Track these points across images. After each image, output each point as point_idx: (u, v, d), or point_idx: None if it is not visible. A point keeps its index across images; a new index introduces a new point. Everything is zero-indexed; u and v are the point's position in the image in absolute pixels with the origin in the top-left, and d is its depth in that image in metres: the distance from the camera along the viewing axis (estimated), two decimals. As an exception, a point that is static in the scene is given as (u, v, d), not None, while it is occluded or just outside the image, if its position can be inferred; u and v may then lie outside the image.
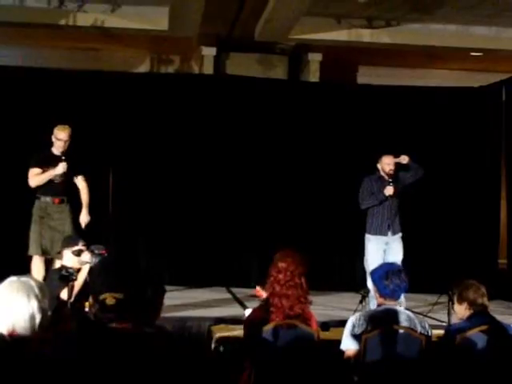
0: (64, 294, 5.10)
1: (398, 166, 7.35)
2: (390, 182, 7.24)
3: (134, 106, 9.28)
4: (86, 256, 5.34)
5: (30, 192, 6.97)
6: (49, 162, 6.84)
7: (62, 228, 6.84)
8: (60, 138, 6.85)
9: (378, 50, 10.45)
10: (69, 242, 5.69)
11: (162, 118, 9.40)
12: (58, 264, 6.71)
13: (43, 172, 6.84)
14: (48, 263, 6.83)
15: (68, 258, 5.56)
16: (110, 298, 2.94)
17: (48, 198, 6.87)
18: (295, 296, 4.21)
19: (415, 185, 7.54)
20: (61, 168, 6.76)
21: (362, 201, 7.36)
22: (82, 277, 5.32)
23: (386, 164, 7.29)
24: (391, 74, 11.28)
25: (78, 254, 5.41)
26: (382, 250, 7.29)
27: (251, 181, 9.51)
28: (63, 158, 6.80)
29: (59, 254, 5.74)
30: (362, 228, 7.65)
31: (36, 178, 6.85)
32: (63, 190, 6.92)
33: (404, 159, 7.30)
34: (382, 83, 10.26)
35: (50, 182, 6.85)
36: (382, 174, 7.34)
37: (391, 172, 7.28)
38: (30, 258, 6.91)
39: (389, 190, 7.22)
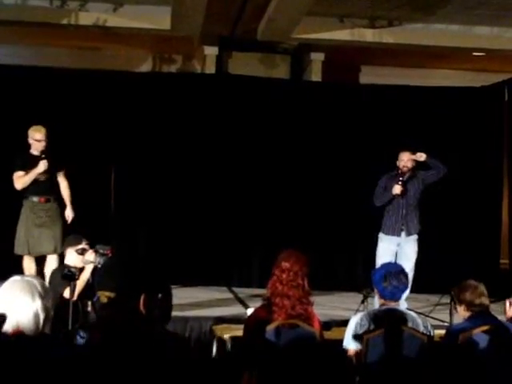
0: (67, 293, 5.10)
1: (416, 163, 7.23)
2: (399, 181, 7.10)
3: (136, 106, 9.27)
4: (91, 255, 5.33)
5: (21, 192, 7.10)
6: (30, 163, 7.00)
7: (51, 225, 7.02)
8: (37, 138, 7.03)
9: (380, 50, 10.45)
10: (72, 240, 5.69)
11: (165, 117, 9.39)
12: (50, 261, 6.88)
13: (26, 174, 6.99)
14: (41, 262, 6.97)
15: (71, 257, 5.56)
16: (103, 297, 2.99)
17: (35, 198, 7.05)
18: (296, 297, 4.21)
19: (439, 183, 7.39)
20: (42, 165, 6.93)
21: (375, 198, 7.26)
22: (85, 276, 5.31)
23: (401, 160, 7.18)
24: (393, 73, 11.27)
25: (82, 252, 5.42)
26: (393, 251, 7.17)
27: (253, 180, 9.50)
28: (43, 156, 6.96)
29: (62, 252, 5.76)
30: (364, 227, 7.63)
31: (20, 180, 7.02)
32: (49, 189, 7.09)
33: (420, 156, 7.12)
34: (384, 83, 10.24)
35: (35, 181, 7.01)
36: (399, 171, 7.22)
37: (405, 169, 7.16)
38: (21, 257, 7.05)
39: (395, 189, 7.09)
